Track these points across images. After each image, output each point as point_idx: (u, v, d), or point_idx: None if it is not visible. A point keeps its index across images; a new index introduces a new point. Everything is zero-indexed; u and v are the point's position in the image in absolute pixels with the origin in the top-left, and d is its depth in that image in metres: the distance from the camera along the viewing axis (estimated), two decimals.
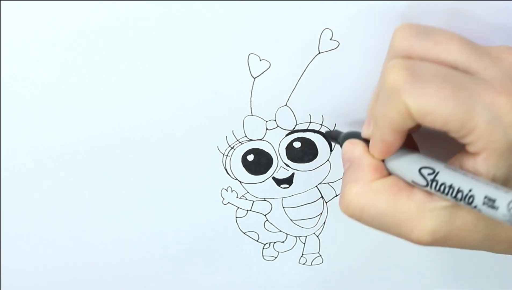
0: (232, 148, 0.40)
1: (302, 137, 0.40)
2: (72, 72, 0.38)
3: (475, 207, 0.30)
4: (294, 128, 0.40)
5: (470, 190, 0.30)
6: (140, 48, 0.37)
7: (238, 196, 0.42)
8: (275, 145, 0.41)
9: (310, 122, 0.40)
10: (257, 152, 0.41)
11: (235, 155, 0.41)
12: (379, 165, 0.34)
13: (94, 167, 0.41)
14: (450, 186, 0.31)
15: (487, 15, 0.37)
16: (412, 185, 0.33)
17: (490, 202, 0.30)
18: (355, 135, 0.36)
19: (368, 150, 0.34)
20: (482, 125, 0.30)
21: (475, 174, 0.31)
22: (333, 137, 0.39)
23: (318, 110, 0.39)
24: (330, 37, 0.37)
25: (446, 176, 0.31)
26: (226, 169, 0.41)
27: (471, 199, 0.30)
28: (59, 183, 0.41)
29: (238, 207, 0.42)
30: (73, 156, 0.40)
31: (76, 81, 0.38)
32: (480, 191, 0.30)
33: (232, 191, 0.42)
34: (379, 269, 0.45)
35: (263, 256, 0.44)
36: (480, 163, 0.31)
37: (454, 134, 0.31)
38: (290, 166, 0.41)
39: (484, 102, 0.30)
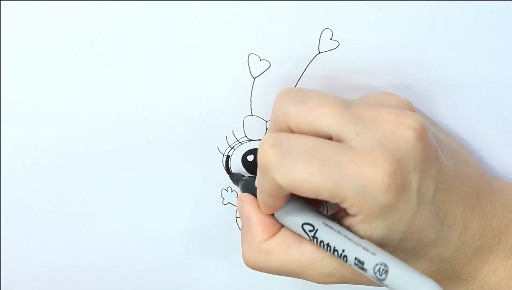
0: (232, 148, 0.40)
1: None
2: (72, 72, 0.38)
3: (350, 265, 0.32)
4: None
5: (343, 250, 0.32)
6: (140, 48, 0.37)
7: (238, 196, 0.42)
8: None
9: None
10: (257, 152, 0.41)
11: (235, 155, 0.41)
12: (268, 222, 0.36)
13: (94, 167, 0.41)
14: (327, 244, 0.33)
15: (486, 14, 0.37)
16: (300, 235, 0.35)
17: (360, 264, 0.32)
18: (249, 184, 0.38)
19: (258, 205, 0.36)
20: (351, 195, 0.31)
21: (353, 232, 0.33)
22: (235, 180, 0.41)
23: None
24: (330, 37, 0.37)
25: (324, 233, 0.33)
26: (226, 169, 0.41)
27: (345, 259, 0.32)
28: (59, 183, 0.41)
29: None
30: (73, 156, 0.40)
31: (76, 81, 0.38)
32: (351, 252, 0.32)
33: (232, 191, 0.42)
34: None
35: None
36: (357, 224, 0.32)
37: (330, 201, 0.32)
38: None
39: (350, 174, 0.31)
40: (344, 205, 0.32)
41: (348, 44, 0.38)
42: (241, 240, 0.37)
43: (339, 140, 0.32)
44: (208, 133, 0.40)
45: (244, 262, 0.36)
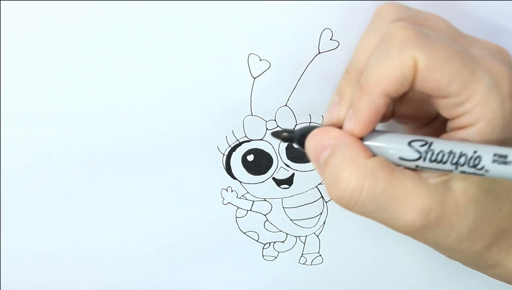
0: (232, 148, 0.40)
1: None
2: (72, 72, 0.38)
3: (482, 168, 0.30)
4: (294, 128, 0.40)
5: (475, 152, 0.30)
6: (140, 48, 0.37)
7: (238, 196, 0.42)
8: (275, 145, 0.41)
9: (310, 122, 0.40)
10: (257, 152, 0.41)
11: (235, 155, 0.41)
12: (363, 145, 0.32)
13: (93, 167, 0.41)
14: (450, 152, 0.30)
15: (487, 14, 0.37)
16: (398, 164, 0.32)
17: (502, 158, 0.29)
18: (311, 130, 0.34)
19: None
20: (482, 91, 0.30)
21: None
22: (285, 137, 0.35)
23: (318, 110, 0.39)
24: (330, 37, 0.37)
25: (442, 144, 0.31)
26: (226, 169, 0.41)
27: (477, 161, 0.30)
28: (59, 183, 0.41)
29: (238, 207, 0.42)
30: (73, 156, 0.40)
31: (76, 81, 0.38)
32: (487, 150, 0.30)
33: (232, 191, 0.42)
34: (378, 268, 0.45)
35: (263, 256, 0.44)
36: (473, 134, 0.31)
37: (451, 100, 0.30)
38: (290, 166, 0.41)
39: (483, 67, 0.30)
40: (465, 106, 0.30)
41: (348, 44, 0.38)
42: (337, 165, 0.31)
43: None
44: (208, 133, 0.40)
45: (340, 190, 0.31)
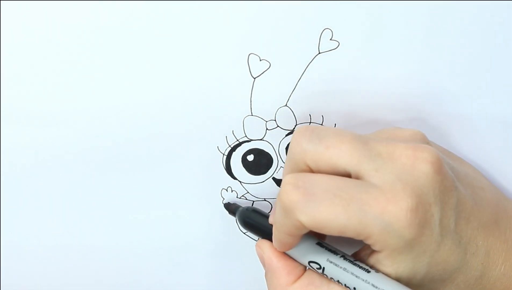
0: (232, 148, 0.40)
1: None
2: (72, 72, 0.38)
3: None
4: (294, 128, 0.40)
5: (354, 288, 0.33)
6: (140, 48, 0.37)
7: (238, 196, 0.42)
8: (275, 145, 0.41)
9: (310, 122, 0.40)
10: (257, 152, 0.41)
11: (235, 155, 0.41)
12: (291, 265, 0.36)
13: (94, 167, 0.41)
14: (338, 281, 0.34)
15: (482, 14, 0.37)
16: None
17: None
18: (247, 216, 0.38)
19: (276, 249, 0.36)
20: (376, 232, 0.31)
21: (378, 268, 0.33)
22: (231, 210, 0.41)
23: (318, 110, 0.39)
24: (330, 37, 0.37)
25: (331, 271, 0.34)
26: (226, 169, 0.41)
27: None
28: (59, 183, 0.41)
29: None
30: (73, 156, 0.40)
31: (76, 81, 0.38)
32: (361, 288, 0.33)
33: (232, 191, 0.42)
34: None
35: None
36: (383, 259, 0.33)
37: (354, 238, 0.32)
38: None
39: (374, 211, 0.31)
40: (368, 242, 0.32)
41: (348, 44, 0.38)
42: (268, 286, 0.37)
43: (357, 177, 0.32)
44: (208, 133, 0.40)
45: None
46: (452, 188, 0.33)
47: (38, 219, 0.42)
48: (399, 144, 0.33)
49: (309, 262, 0.35)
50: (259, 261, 0.38)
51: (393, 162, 0.32)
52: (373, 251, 0.33)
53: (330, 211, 0.31)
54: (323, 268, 0.34)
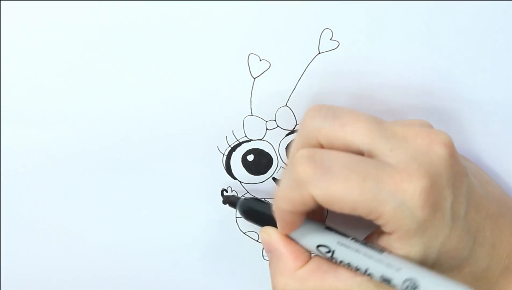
0: (232, 148, 0.40)
1: None
2: (73, 72, 0.38)
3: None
4: (294, 128, 0.40)
5: (366, 270, 0.32)
6: (140, 48, 0.37)
7: (238, 196, 0.42)
8: (275, 145, 0.41)
9: None
10: (257, 152, 0.41)
11: (235, 155, 0.41)
12: (298, 250, 0.35)
13: (94, 167, 0.41)
14: (349, 264, 0.33)
15: (482, 14, 0.37)
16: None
17: (386, 282, 0.31)
18: (249, 206, 0.38)
19: (283, 235, 0.36)
20: (389, 211, 0.31)
21: (390, 251, 0.32)
22: (231, 202, 0.40)
23: None
24: (330, 37, 0.37)
25: (342, 254, 0.33)
26: (226, 169, 0.41)
27: (370, 277, 0.32)
28: (59, 183, 0.41)
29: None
30: (73, 156, 0.40)
31: (76, 81, 0.38)
32: (375, 271, 0.32)
33: (232, 191, 0.42)
34: None
35: (263, 256, 0.44)
36: (394, 242, 0.32)
37: (364, 217, 0.32)
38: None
39: (389, 189, 0.31)
40: (380, 222, 0.32)
41: (348, 44, 0.38)
42: (272, 272, 0.36)
43: (371, 156, 0.32)
44: (208, 133, 0.40)
45: None
46: (464, 174, 0.33)
47: (38, 219, 0.42)
48: (414, 126, 0.33)
49: (318, 246, 0.34)
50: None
51: (408, 143, 0.32)
52: (382, 235, 0.33)
53: (345, 186, 0.31)
54: (333, 251, 0.33)
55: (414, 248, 0.32)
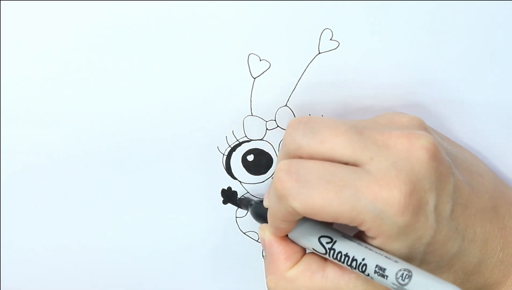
0: (232, 148, 0.40)
1: None
2: (72, 72, 0.38)
3: (368, 275, 0.32)
4: (251, 203, 0.40)
5: (363, 259, 0.32)
6: (140, 48, 0.37)
7: (238, 196, 0.42)
8: (275, 145, 0.41)
9: None
10: (257, 152, 0.41)
11: (235, 155, 0.41)
12: (290, 250, 0.36)
13: (94, 167, 0.41)
14: (346, 255, 0.33)
15: (482, 14, 0.37)
16: (324, 259, 0.35)
17: (381, 271, 0.31)
18: (261, 209, 0.39)
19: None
20: (369, 219, 0.31)
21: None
22: (243, 205, 0.41)
23: (318, 110, 0.39)
24: (330, 37, 0.37)
25: (343, 245, 0.33)
26: (226, 169, 0.41)
27: (364, 268, 0.32)
28: (59, 183, 0.41)
29: (238, 207, 0.42)
30: (73, 156, 0.40)
31: (76, 81, 0.38)
32: (371, 260, 0.32)
33: (232, 191, 0.42)
34: None
35: (263, 256, 0.44)
36: (378, 245, 0.33)
37: (348, 225, 0.32)
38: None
39: (367, 198, 0.31)
40: (362, 228, 0.32)
41: (348, 44, 0.38)
42: (265, 270, 0.37)
43: (355, 165, 0.32)
44: (208, 133, 0.40)
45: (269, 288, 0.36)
46: (449, 174, 0.33)
47: (38, 220, 0.42)
48: (394, 131, 0.33)
49: (320, 237, 0.34)
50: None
51: (388, 150, 0.32)
52: (368, 236, 0.33)
53: (323, 197, 0.31)
54: (335, 241, 0.34)
55: (398, 250, 0.32)
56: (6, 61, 0.37)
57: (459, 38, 0.38)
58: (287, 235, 0.36)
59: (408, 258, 0.33)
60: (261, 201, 0.39)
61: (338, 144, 0.32)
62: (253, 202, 0.40)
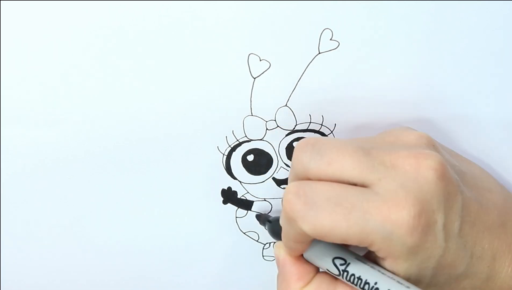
0: (232, 148, 0.40)
1: (302, 137, 0.40)
2: (72, 72, 0.38)
3: None
4: (294, 128, 0.40)
5: (375, 283, 0.32)
6: (140, 48, 0.37)
7: (238, 196, 0.42)
8: (275, 145, 0.41)
9: (310, 122, 0.40)
10: (257, 152, 0.41)
11: (235, 155, 0.41)
12: (303, 270, 0.36)
13: (94, 167, 0.41)
14: (359, 278, 0.33)
15: (481, 15, 0.37)
16: (335, 279, 0.35)
17: None
18: (277, 226, 0.38)
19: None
20: (379, 240, 0.32)
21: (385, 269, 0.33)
22: (262, 220, 0.42)
23: (318, 110, 0.39)
24: (330, 37, 0.37)
25: (356, 267, 0.33)
26: (226, 169, 0.41)
27: None
28: (59, 183, 0.41)
29: (238, 207, 0.42)
30: (73, 156, 0.40)
31: (76, 81, 0.38)
32: (384, 284, 0.32)
33: (232, 191, 0.42)
34: None
35: (263, 256, 0.44)
36: (388, 265, 0.33)
37: (358, 246, 0.32)
38: (290, 166, 0.41)
39: (376, 219, 0.31)
40: (372, 249, 0.32)
41: (348, 45, 0.38)
42: (277, 288, 0.37)
43: (363, 186, 0.32)
44: (208, 133, 0.40)
45: None
46: (457, 193, 0.33)
47: (38, 220, 0.42)
48: (401, 151, 0.33)
49: (334, 258, 0.34)
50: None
51: (396, 170, 0.32)
52: (378, 257, 0.33)
53: (331, 219, 0.31)
54: (348, 263, 0.34)
55: (408, 270, 0.33)
56: (6, 61, 0.37)
57: (461, 38, 0.38)
58: (301, 255, 0.36)
59: (418, 276, 0.33)
60: (278, 219, 0.39)
61: (346, 165, 0.33)
62: (271, 219, 0.40)
